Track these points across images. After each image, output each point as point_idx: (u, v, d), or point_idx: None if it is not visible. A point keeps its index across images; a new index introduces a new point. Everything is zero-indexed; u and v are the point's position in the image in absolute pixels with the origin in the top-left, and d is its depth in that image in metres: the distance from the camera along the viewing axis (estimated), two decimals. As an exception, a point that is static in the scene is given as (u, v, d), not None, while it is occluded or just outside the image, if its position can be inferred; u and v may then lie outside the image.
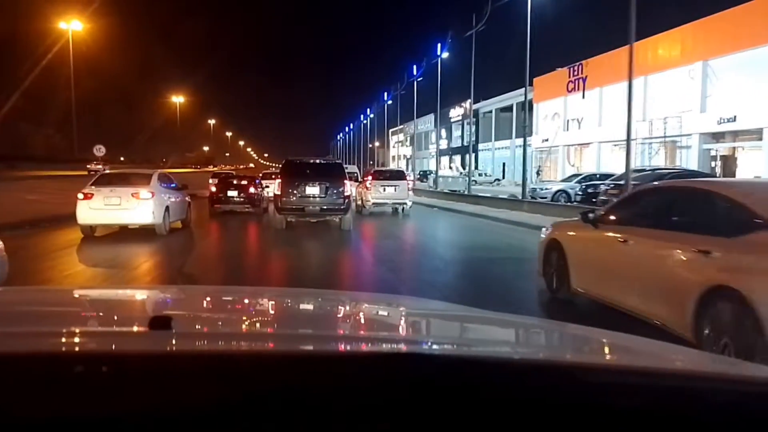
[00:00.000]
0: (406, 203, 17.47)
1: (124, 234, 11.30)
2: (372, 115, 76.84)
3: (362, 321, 1.64)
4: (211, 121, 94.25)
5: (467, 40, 31.37)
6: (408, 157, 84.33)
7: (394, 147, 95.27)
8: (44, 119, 56.35)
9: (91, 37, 35.68)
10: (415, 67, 49.82)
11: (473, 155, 70.00)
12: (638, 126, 35.92)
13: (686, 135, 30.68)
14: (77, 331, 1.22)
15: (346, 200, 12.65)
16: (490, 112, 61.36)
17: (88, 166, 37.65)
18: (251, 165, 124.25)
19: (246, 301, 1.86)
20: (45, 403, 0.73)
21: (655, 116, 31.83)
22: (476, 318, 1.66)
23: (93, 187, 11.23)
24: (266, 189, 18.48)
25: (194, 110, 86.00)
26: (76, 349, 1.03)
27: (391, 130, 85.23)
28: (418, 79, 45.83)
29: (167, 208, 11.75)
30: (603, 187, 18.39)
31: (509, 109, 60.27)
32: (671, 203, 4.63)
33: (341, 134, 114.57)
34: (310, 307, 1.82)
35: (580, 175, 26.44)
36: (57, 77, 36.85)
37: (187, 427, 0.74)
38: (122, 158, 69.57)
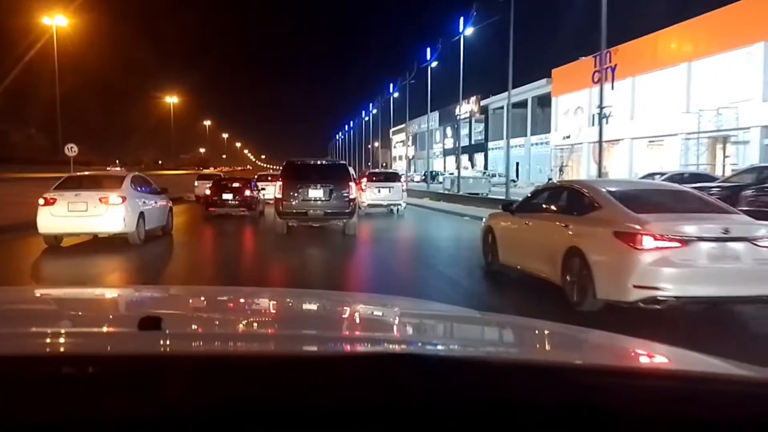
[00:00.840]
0: (400, 204, 18.55)
1: (92, 244, 10.53)
2: (374, 111, 75.50)
3: (355, 321, 1.66)
4: (207, 122, 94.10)
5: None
6: (411, 157, 79.45)
7: (395, 147, 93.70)
8: (27, 118, 56.23)
9: (78, 33, 34.89)
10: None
11: (480, 155, 65.69)
12: (682, 119, 31.11)
13: (743, 128, 25.88)
14: (63, 331, 1.24)
15: (352, 203, 12.28)
16: (502, 108, 55.58)
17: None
18: (248, 167, 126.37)
19: (238, 301, 1.87)
20: (31, 407, 0.74)
21: (704, 107, 27.02)
22: (470, 319, 1.73)
23: (56, 191, 10.36)
24: (262, 191, 18.68)
25: (190, 112, 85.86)
26: (62, 350, 1.04)
27: (392, 130, 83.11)
28: (429, 67, 42.34)
29: (142, 214, 10.93)
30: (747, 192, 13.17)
31: (523, 104, 55.24)
32: (553, 196, 6.98)
33: (340, 133, 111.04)
34: (302, 307, 1.83)
35: (660, 174, 18.25)
36: (40, 74, 35.98)
37: (176, 430, 0.74)
38: (117, 160, 69.07)
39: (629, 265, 5.02)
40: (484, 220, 8.54)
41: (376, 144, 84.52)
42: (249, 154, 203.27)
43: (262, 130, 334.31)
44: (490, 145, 61.93)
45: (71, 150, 26.53)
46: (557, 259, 5.84)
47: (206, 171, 32.44)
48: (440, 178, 42.61)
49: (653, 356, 1.28)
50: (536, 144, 51.29)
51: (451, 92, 39.88)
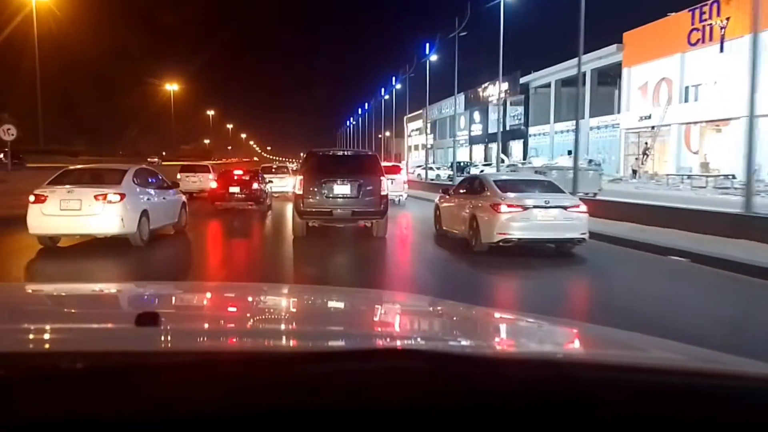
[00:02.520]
0: (402, 195, 20.86)
1: (90, 245, 9.99)
2: (386, 96, 68.72)
3: (353, 317, 1.74)
4: (210, 112, 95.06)
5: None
6: (430, 146, 69.94)
7: (410, 136, 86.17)
8: (6, 106, 52.62)
9: (66, 14, 35.09)
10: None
11: (517, 142, 56.47)
12: None
13: None
14: (59, 327, 1.27)
15: (384, 201, 11.34)
16: (547, 85, 46.00)
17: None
18: (255, 159, 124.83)
19: (236, 297, 1.93)
20: (27, 404, 0.75)
21: None
22: (467, 313, 1.84)
23: (48, 186, 9.73)
24: (268, 184, 19.31)
25: (192, 101, 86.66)
26: (59, 346, 1.05)
27: (407, 117, 75.75)
28: (456, 39, 34.53)
29: (145, 212, 10.25)
30: None
31: (574, 81, 45.46)
32: (468, 184, 11.23)
33: (349, 121, 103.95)
34: (300, 303, 1.91)
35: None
36: (23, 55, 35.05)
37: (175, 429, 0.76)
38: (121, 152, 68.76)
39: (495, 222, 9.20)
40: (435, 200, 12.71)
41: (388, 133, 79.60)
42: (255, 146, 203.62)
43: (268, 121, 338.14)
44: (532, 130, 54.60)
45: (7, 133, 23.53)
46: (466, 223, 10.03)
47: (190, 163, 29.46)
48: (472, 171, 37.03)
49: (648, 349, 1.34)
50: (597, 128, 41.66)
51: (479, 72, 32.00)
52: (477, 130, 63.12)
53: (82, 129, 69.50)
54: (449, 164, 57.10)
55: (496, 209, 9.08)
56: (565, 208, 9.20)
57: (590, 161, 29.85)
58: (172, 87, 59.82)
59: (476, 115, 63.23)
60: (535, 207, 9.06)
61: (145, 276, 8.24)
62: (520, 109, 56.30)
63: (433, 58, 43.66)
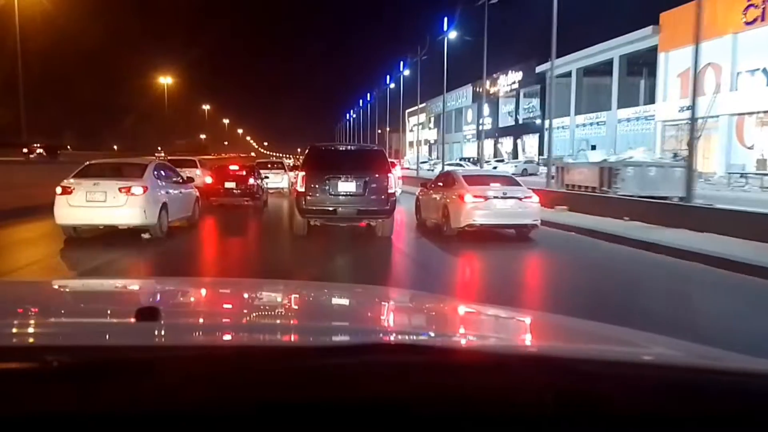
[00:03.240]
0: (396, 191, 20.77)
1: (109, 235, 10.44)
2: (392, 85, 64.38)
3: (351, 312, 1.80)
4: (206, 107, 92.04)
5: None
6: (433, 141, 64.87)
7: (411, 131, 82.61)
8: None
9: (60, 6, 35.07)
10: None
11: (531, 137, 52.52)
12: None
13: None
14: (59, 322, 1.32)
15: (391, 199, 10.98)
16: (568, 74, 41.87)
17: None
18: (252, 154, 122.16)
19: (235, 292, 1.98)
20: (27, 398, 0.77)
21: None
22: (464, 309, 1.87)
23: (74, 179, 10.39)
24: (265, 180, 19.57)
25: (190, 97, 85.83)
26: (57, 341, 1.05)
27: (407, 111, 71.28)
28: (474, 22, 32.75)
29: (164, 204, 10.76)
30: None
31: (599, 69, 41.57)
32: (443, 178, 12.86)
33: (349, 114, 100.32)
34: (299, 298, 1.93)
35: None
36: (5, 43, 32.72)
37: (174, 423, 0.77)
38: (115, 147, 67.20)
39: (462, 210, 10.65)
40: (416, 192, 14.67)
41: (388, 129, 75.83)
42: (252, 141, 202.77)
43: (265, 117, 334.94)
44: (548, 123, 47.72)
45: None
46: (440, 212, 11.48)
47: (176, 157, 26.36)
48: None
49: (647, 346, 1.36)
50: (626, 120, 37.54)
51: (489, 61, 28.80)
52: (485, 123, 59.78)
53: (73, 123, 67.21)
54: (457, 160, 53.75)
55: (462, 199, 10.71)
56: (519, 198, 10.80)
57: (675, 155, 23.42)
58: (166, 80, 58.18)
59: (486, 108, 60.04)
60: (494, 197, 10.70)
61: (163, 265, 8.91)
62: (534, 101, 53.76)
63: (439, 47, 40.49)
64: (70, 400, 0.75)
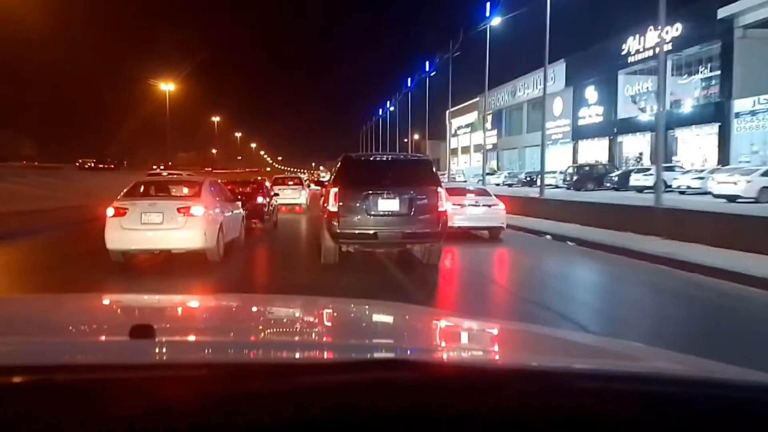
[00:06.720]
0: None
1: (161, 260, 9.96)
2: (431, 75, 52.40)
3: (345, 327, 1.83)
4: (216, 119, 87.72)
5: None
6: (492, 146, 55.15)
7: (456, 135, 72.52)
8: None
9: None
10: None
11: (707, 128, 30.50)
12: None
13: None
14: (53, 340, 1.29)
15: (442, 220, 9.56)
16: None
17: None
18: (268, 169, 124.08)
19: (230, 309, 2.03)
20: (21, 417, 0.77)
21: None
22: (463, 324, 1.93)
23: (126, 199, 9.79)
24: (275, 196, 18.11)
25: (200, 110, 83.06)
26: (51, 359, 1.05)
27: (450, 111, 57.90)
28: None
29: (221, 226, 10.32)
30: None
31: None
32: None
33: (372, 119, 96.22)
34: (293, 314, 2.01)
35: None
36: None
37: None
38: (125, 162, 68.72)
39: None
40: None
41: (416, 136, 67.79)
42: (266, 156, 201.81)
43: (279, 132, 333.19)
44: (738, 106, 29.63)
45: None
46: None
47: (158, 171, 29.79)
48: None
49: (644, 359, 1.41)
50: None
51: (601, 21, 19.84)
52: (590, 117, 43.03)
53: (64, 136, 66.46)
54: (526, 172, 42.22)
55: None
56: (489, 206, 13.88)
57: None
58: (167, 87, 52.55)
59: (590, 94, 42.63)
60: (469, 205, 13.69)
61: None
62: (705, 70, 31.94)
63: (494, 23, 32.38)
64: (65, 418, 0.75)
